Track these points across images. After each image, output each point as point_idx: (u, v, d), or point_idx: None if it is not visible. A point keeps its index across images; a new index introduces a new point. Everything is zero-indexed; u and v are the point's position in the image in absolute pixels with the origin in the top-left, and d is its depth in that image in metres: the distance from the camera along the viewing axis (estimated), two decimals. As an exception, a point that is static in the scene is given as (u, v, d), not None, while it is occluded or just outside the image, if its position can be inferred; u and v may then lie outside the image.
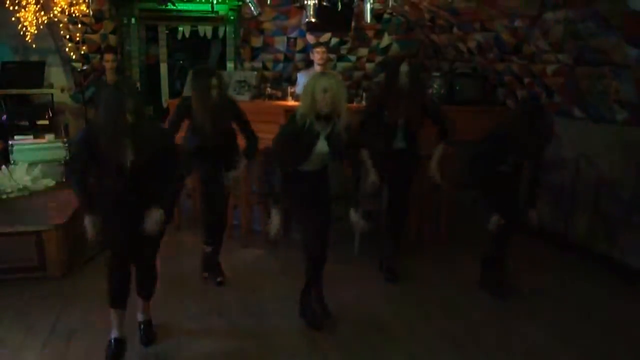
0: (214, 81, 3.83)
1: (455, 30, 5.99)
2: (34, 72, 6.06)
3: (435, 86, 6.23)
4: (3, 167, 5.01)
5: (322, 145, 3.33)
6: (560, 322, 3.68)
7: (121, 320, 3.13)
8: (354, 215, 3.44)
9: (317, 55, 6.02)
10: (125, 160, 2.90)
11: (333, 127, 3.31)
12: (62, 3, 5.66)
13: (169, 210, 3.20)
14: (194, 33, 7.85)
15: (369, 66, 7.61)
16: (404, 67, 3.97)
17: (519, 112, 3.86)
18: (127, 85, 3.03)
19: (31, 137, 5.54)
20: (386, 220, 4.36)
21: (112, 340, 3.11)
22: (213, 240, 4.18)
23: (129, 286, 3.15)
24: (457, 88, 6.11)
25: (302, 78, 6.16)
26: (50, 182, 5.16)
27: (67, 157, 3.10)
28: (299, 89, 6.05)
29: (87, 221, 2.98)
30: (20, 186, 4.86)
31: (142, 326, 3.33)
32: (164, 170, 3.08)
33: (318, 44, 6.30)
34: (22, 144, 5.35)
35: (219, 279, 4.13)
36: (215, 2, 5.58)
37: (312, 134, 3.29)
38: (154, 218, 2.98)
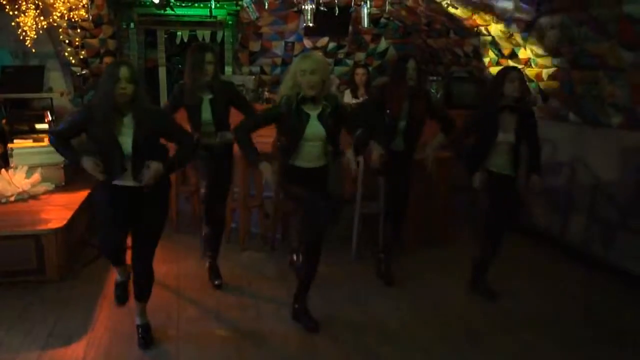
0: (210, 56, 3.75)
1: (451, 34, 6.03)
2: (33, 77, 6.09)
3: (432, 90, 6.26)
4: (3, 171, 5.02)
5: (315, 127, 3.28)
6: (559, 326, 3.68)
7: (124, 269, 3.42)
8: (349, 154, 3.37)
9: None
10: (117, 133, 2.90)
11: (323, 109, 3.29)
12: (62, 8, 5.70)
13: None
14: (193, 37, 7.88)
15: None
16: (411, 64, 3.94)
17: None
18: (124, 60, 3.12)
19: (31, 141, 5.56)
20: (384, 222, 4.39)
21: (118, 283, 3.49)
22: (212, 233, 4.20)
23: (124, 250, 3.31)
24: (454, 92, 6.15)
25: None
26: (49, 186, 5.17)
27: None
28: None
29: (86, 163, 2.92)
30: (20, 190, 4.87)
31: (140, 330, 3.34)
32: (176, 142, 3.14)
33: (315, 49, 6.34)
34: (22, 148, 5.37)
35: (217, 282, 4.14)
36: (213, 7, 5.62)
37: (300, 116, 3.25)
38: (153, 169, 2.94)
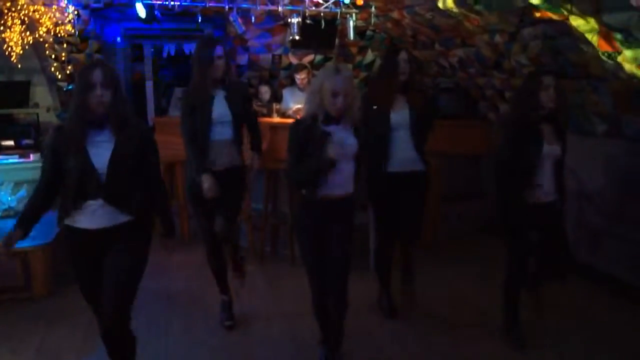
0: (219, 49, 3.33)
1: (436, 46, 6.09)
2: (19, 92, 6.05)
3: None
4: (-12, 187, 4.99)
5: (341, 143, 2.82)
6: (552, 338, 3.66)
7: None
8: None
9: (298, 79, 6.09)
10: (91, 150, 2.38)
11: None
12: (48, 23, 5.69)
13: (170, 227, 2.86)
14: (179, 51, 7.89)
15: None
16: (402, 56, 3.62)
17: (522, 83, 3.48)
18: (97, 62, 2.73)
19: (16, 157, 5.52)
20: (378, 257, 3.98)
21: None
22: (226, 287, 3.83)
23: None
24: (440, 103, 6.20)
25: (287, 94, 6.22)
26: (35, 202, 5.13)
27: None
28: (284, 105, 6.11)
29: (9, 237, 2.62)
30: (6, 206, 4.84)
31: None
32: (147, 181, 2.57)
33: (301, 67, 6.25)
34: (7, 164, 5.34)
35: (227, 323, 3.75)
36: (200, 20, 5.63)
37: (321, 135, 2.79)
38: (167, 247, 2.83)
